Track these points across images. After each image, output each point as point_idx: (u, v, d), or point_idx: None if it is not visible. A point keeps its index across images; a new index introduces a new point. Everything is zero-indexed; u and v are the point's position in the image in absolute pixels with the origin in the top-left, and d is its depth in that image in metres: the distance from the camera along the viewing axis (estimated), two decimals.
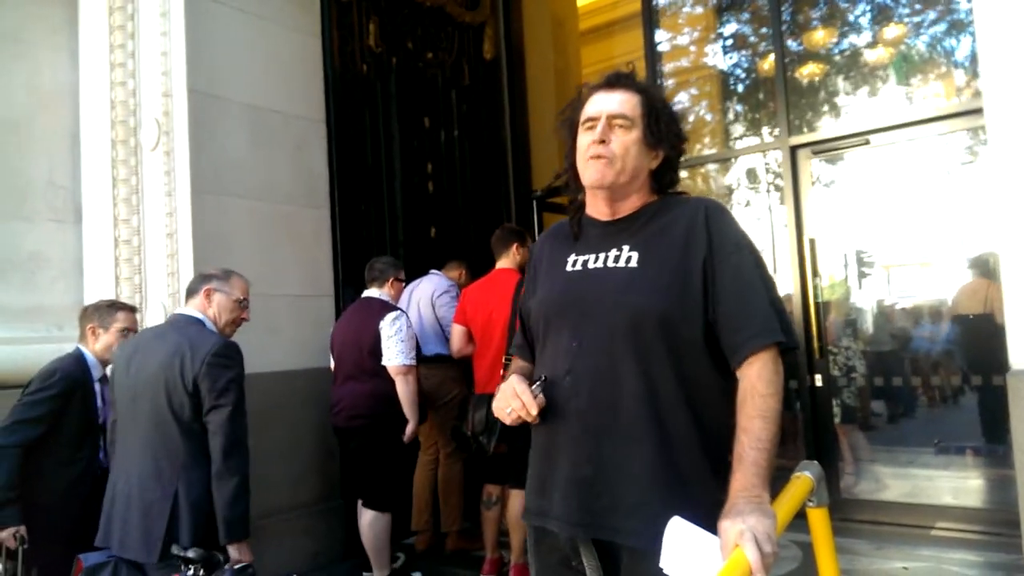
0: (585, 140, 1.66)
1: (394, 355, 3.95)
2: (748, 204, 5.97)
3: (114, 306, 3.43)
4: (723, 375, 1.57)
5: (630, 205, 1.69)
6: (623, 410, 1.54)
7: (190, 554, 2.54)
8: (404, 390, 3.96)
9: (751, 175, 5.85)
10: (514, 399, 1.57)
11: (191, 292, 2.99)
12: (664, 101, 1.73)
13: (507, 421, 1.60)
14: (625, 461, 1.53)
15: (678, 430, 1.52)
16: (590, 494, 1.54)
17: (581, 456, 1.57)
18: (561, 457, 1.60)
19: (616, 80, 1.71)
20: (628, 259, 1.62)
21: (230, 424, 2.66)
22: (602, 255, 1.66)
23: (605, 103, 1.67)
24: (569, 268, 1.71)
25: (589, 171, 1.65)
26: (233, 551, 2.64)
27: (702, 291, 1.55)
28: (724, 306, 1.54)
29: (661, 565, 1.21)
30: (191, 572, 2.47)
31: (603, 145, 1.63)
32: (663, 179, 1.71)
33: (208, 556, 2.55)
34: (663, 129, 1.67)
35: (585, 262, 1.69)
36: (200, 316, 2.91)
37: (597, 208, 1.73)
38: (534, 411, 1.55)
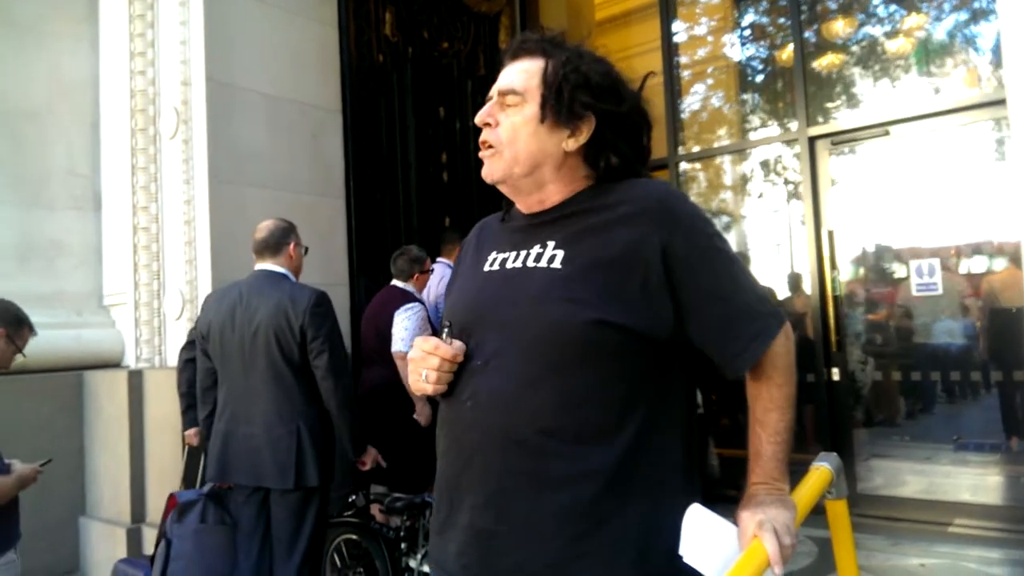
0: None
1: (396, 341, 4.01)
2: (765, 196, 5.93)
3: None
4: (666, 401, 1.29)
5: (552, 195, 1.37)
6: (533, 447, 1.23)
7: (398, 504, 3.31)
8: (405, 375, 3.99)
9: (768, 166, 5.81)
10: (427, 358, 1.31)
11: (275, 248, 3.15)
12: (582, 60, 1.34)
13: (430, 390, 1.32)
14: (535, 512, 1.22)
15: (608, 472, 1.22)
16: (490, 550, 1.25)
17: (479, 500, 1.27)
18: (460, 498, 1.31)
19: (520, 46, 1.39)
20: (551, 258, 1.30)
21: (334, 364, 2.98)
22: (522, 252, 1.34)
23: (500, 78, 1.37)
24: (486, 268, 1.40)
25: (483, 167, 1.39)
26: (366, 458, 3.16)
27: (671, 304, 1.25)
28: (702, 326, 1.27)
29: (680, 552, 1.20)
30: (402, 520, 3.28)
31: (488, 128, 1.36)
32: (597, 163, 1.35)
33: (411, 501, 3.30)
34: (566, 100, 1.31)
35: (504, 261, 1.37)
36: (284, 271, 3.15)
37: (516, 203, 1.43)
38: (460, 355, 1.30)
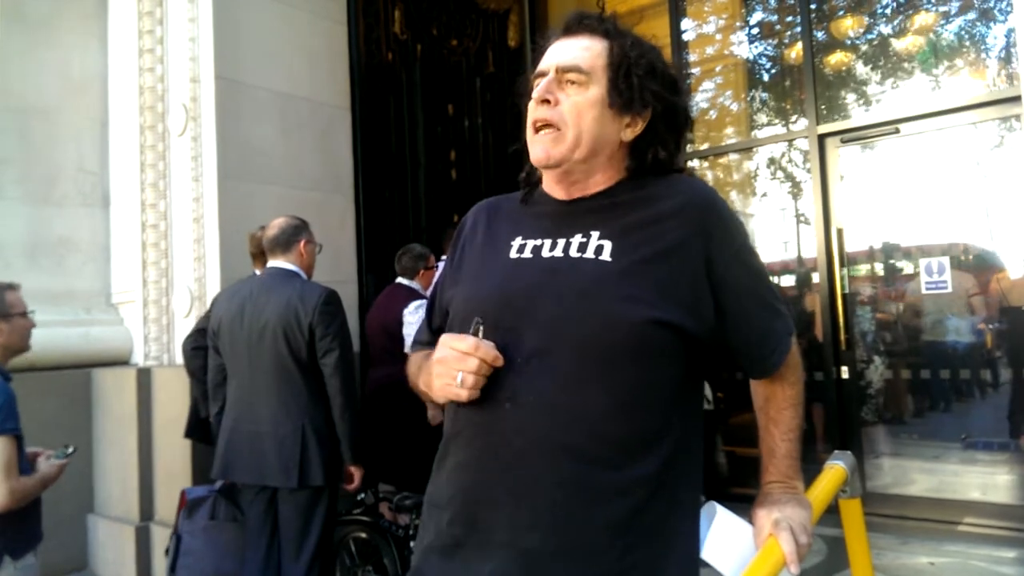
0: (532, 104, 1.28)
1: (412, 342, 3.98)
2: (774, 194, 5.91)
3: None
4: (695, 404, 1.28)
5: (596, 184, 1.29)
6: (586, 455, 1.15)
7: (407, 502, 3.25)
8: None
9: (778, 164, 5.79)
10: (463, 359, 1.15)
11: (285, 246, 3.13)
12: (644, 48, 1.29)
13: (464, 396, 1.16)
14: (588, 525, 1.14)
15: (654, 479, 1.17)
16: (538, 569, 1.14)
17: (523, 515, 1.15)
18: (492, 514, 1.18)
19: (577, 23, 1.30)
20: (599, 249, 1.21)
21: (343, 364, 2.97)
22: (561, 241, 1.24)
23: (557, 53, 1.27)
24: (513, 254, 1.28)
25: (533, 147, 1.26)
26: (356, 471, 3.07)
27: (712, 303, 1.21)
28: (741, 326, 1.25)
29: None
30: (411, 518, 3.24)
31: (547, 106, 1.24)
32: (644, 156, 1.28)
33: (420, 500, 2.98)
34: (636, 86, 1.24)
35: (537, 248, 1.26)
36: (295, 269, 3.14)
37: (552, 188, 1.33)
38: (500, 360, 1.16)
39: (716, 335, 1.24)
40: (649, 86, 1.25)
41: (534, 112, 1.27)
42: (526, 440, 1.16)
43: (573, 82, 1.25)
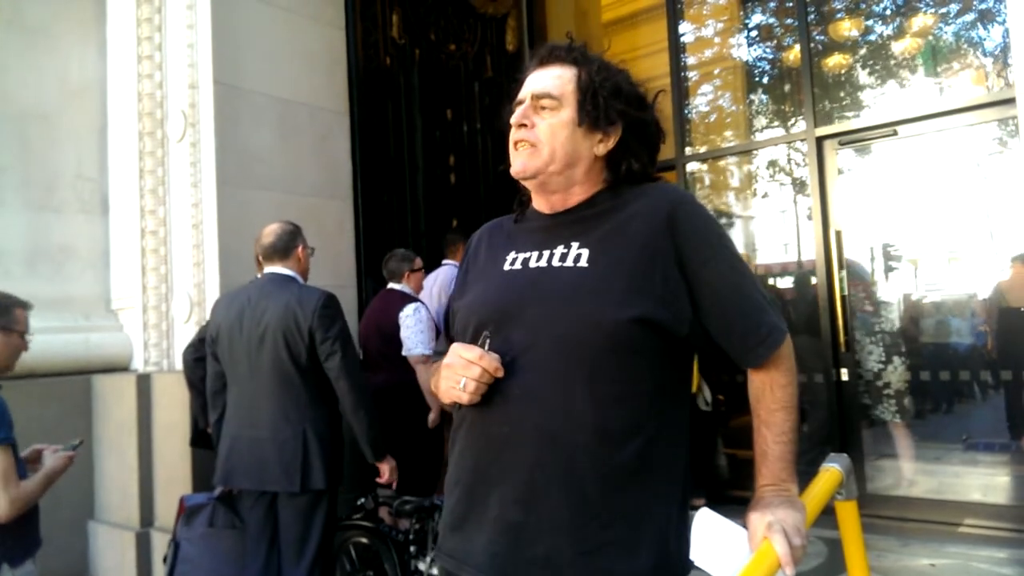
0: (512, 128, 1.45)
1: (413, 345, 3.97)
2: (772, 196, 5.92)
3: None
4: (678, 397, 1.39)
5: (576, 195, 1.44)
6: (565, 442, 1.28)
7: (408, 507, 3.24)
8: (424, 379, 3.98)
9: (776, 167, 5.80)
10: (468, 367, 1.30)
11: (284, 252, 3.15)
12: (611, 71, 1.44)
13: (466, 399, 1.31)
14: (566, 505, 1.27)
15: (632, 467, 1.28)
16: (522, 541, 1.29)
17: (508, 494, 1.31)
18: (487, 492, 1.35)
19: (548, 55, 1.47)
20: (577, 257, 1.35)
21: (347, 365, 2.96)
22: (546, 252, 1.40)
23: (532, 82, 1.45)
24: (507, 267, 1.45)
25: (513, 161, 1.44)
26: (384, 467, 3.11)
27: (687, 298, 1.33)
28: (720, 318, 1.34)
29: (691, 557, 1.21)
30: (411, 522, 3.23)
31: (524, 129, 1.42)
32: (619, 167, 1.43)
33: (420, 504, 3.20)
34: (602, 106, 1.40)
35: (526, 260, 1.42)
36: (293, 274, 3.15)
37: (537, 202, 1.50)
38: (502, 372, 1.30)
39: (696, 328, 1.35)
40: (614, 105, 1.41)
41: (514, 134, 1.44)
42: (514, 428, 1.32)
43: (545, 107, 1.42)
